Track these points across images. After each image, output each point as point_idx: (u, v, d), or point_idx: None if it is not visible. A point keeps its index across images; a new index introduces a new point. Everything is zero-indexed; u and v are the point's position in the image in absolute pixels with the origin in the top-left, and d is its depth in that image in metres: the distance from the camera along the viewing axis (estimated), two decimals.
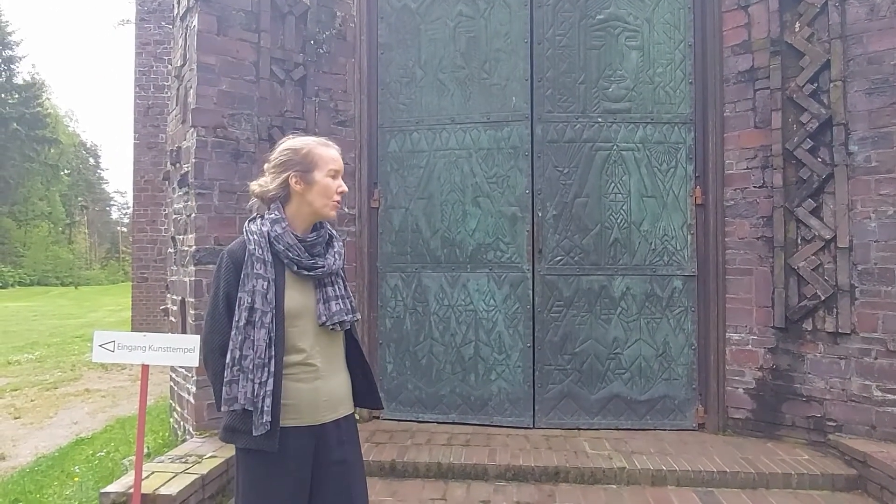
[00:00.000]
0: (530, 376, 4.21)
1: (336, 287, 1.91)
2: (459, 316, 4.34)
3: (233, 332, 1.78)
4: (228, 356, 1.78)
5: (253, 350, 1.76)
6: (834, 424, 3.68)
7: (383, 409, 1.97)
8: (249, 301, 1.78)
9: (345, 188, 1.94)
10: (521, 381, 4.23)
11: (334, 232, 1.99)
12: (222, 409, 1.79)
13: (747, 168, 4.04)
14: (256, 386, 1.74)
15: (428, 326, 4.40)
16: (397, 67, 4.50)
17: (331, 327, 1.88)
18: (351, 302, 1.93)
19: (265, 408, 1.74)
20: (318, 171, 1.88)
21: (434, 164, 4.42)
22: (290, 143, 1.93)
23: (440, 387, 4.34)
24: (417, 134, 4.45)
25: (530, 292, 4.23)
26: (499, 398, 4.25)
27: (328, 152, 1.91)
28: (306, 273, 1.85)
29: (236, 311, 1.79)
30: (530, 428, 4.17)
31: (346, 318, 1.89)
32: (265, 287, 1.79)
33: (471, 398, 4.30)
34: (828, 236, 3.72)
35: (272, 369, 1.77)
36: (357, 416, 4.59)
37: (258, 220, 1.89)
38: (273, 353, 1.78)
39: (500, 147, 4.31)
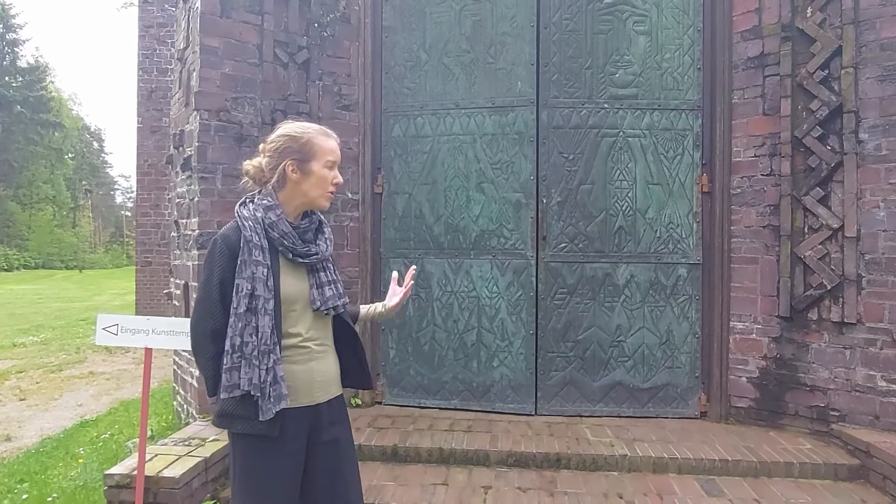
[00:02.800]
0: (533, 363, 4.19)
1: (327, 272, 1.93)
2: (462, 302, 4.33)
3: (231, 319, 1.77)
4: (228, 343, 1.77)
5: (257, 336, 1.75)
6: (837, 414, 3.67)
7: (372, 388, 2.00)
8: (249, 288, 1.77)
9: (340, 179, 1.94)
10: (524, 369, 4.21)
11: (323, 217, 2.00)
12: (222, 395, 1.79)
13: (755, 156, 4.00)
14: (263, 372, 1.74)
15: (430, 312, 4.38)
16: (402, 51, 4.45)
17: (325, 312, 1.90)
18: (341, 286, 1.97)
19: (273, 393, 1.75)
20: (315, 162, 1.86)
21: (438, 150, 4.38)
22: (289, 128, 1.90)
23: (442, 373, 4.33)
24: (422, 119, 4.41)
25: (533, 279, 4.20)
26: (501, 385, 4.25)
27: (327, 143, 1.90)
28: (300, 260, 1.86)
29: (234, 298, 1.77)
30: (532, 415, 4.16)
31: (338, 302, 1.92)
32: (265, 274, 1.78)
33: (473, 384, 4.29)
34: (835, 225, 3.68)
35: (277, 355, 1.78)
36: (360, 402, 4.62)
37: (250, 205, 1.87)
38: (277, 338, 1.79)
39: (504, 132, 4.26)
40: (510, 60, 4.27)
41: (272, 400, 1.74)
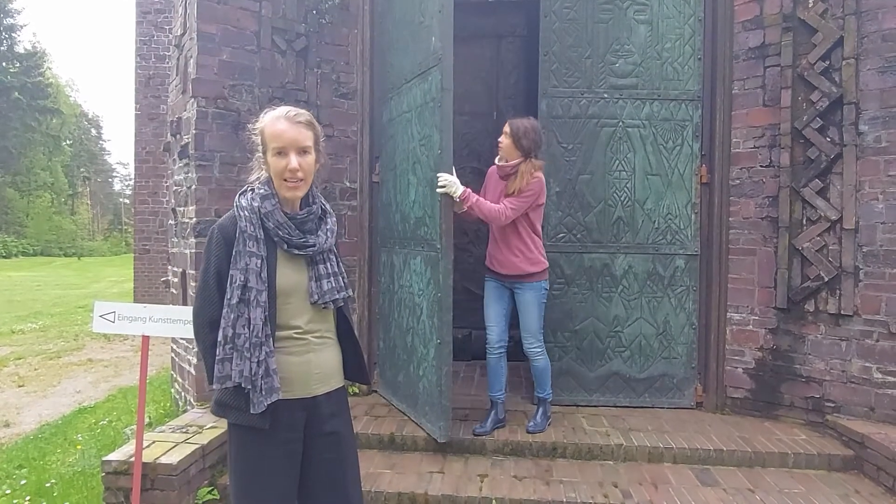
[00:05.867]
0: (442, 380, 3.41)
1: (328, 264, 1.88)
2: (405, 298, 3.93)
3: (225, 310, 1.75)
4: (220, 334, 1.75)
5: (249, 329, 1.73)
6: (832, 405, 3.69)
7: (369, 384, 2.02)
8: (242, 279, 1.74)
9: (293, 165, 1.76)
10: (434, 384, 3.47)
11: (328, 207, 1.95)
12: (214, 386, 1.78)
13: (754, 147, 3.98)
14: (254, 365, 1.73)
15: (391, 307, 4.20)
16: (387, 34, 4.33)
17: (322, 306, 1.86)
18: (343, 279, 1.92)
19: (264, 386, 1.73)
20: (268, 152, 1.82)
21: (396, 131, 4.15)
22: (258, 122, 1.88)
23: (397, 372, 4.10)
24: (394, 100, 4.23)
25: (440, 276, 3.44)
26: (424, 397, 3.67)
27: (273, 128, 1.79)
28: (297, 252, 1.83)
29: (228, 289, 1.76)
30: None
31: (337, 296, 1.87)
32: (259, 265, 1.76)
33: (410, 391, 3.88)
34: (834, 217, 3.68)
35: (270, 348, 1.76)
36: (357, 390, 4.61)
37: (248, 195, 1.85)
38: (269, 331, 1.77)
39: (427, 102, 3.60)
40: (430, 13, 3.58)
41: (263, 393, 1.73)
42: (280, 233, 1.80)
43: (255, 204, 1.81)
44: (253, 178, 1.91)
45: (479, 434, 3.59)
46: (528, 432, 3.63)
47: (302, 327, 1.85)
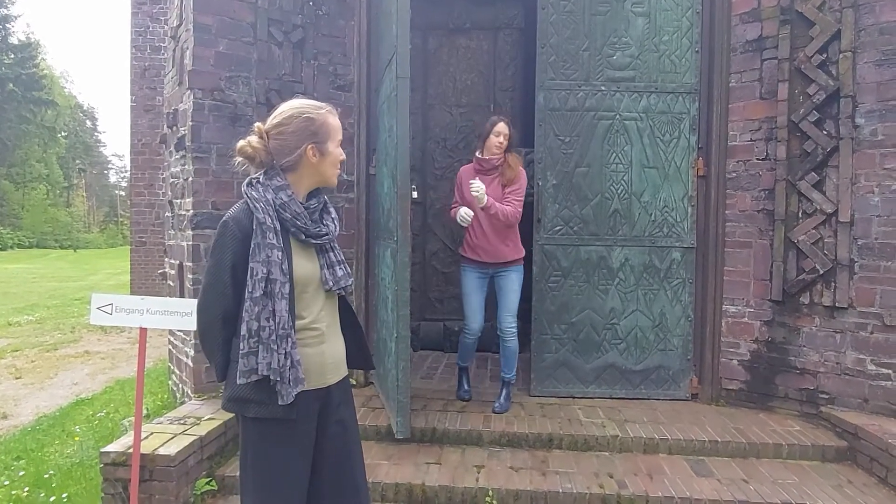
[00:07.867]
0: (399, 374, 3.39)
1: (336, 252, 1.93)
2: (381, 290, 4.01)
3: (247, 304, 1.74)
4: (244, 328, 1.75)
5: (274, 320, 1.74)
6: (826, 397, 3.72)
7: (374, 369, 2.08)
8: (265, 271, 1.74)
9: (344, 156, 1.98)
10: (393, 378, 3.46)
11: (326, 197, 1.99)
12: (239, 381, 1.76)
13: (751, 140, 3.99)
14: (281, 357, 1.73)
15: (377, 299, 4.21)
16: (377, 25, 4.29)
17: (337, 292, 1.92)
18: (347, 265, 1.97)
19: (291, 377, 1.75)
20: (331, 143, 1.88)
21: (380, 122, 4.14)
22: (301, 108, 1.85)
23: (379, 365, 4.00)
24: (379, 92, 4.17)
25: (398, 269, 3.42)
26: (392, 391, 3.56)
27: (336, 121, 1.93)
28: (312, 241, 1.85)
29: (249, 282, 1.74)
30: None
31: (349, 281, 1.94)
32: (280, 257, 1.76)
33: (383, 384, 3.88)
34: (829, 210, 3.69)
35: (294, 339, 1.77)
36: (354, 382, 4.61)
37: (259, 187, 1.82)
38: (292, 322, 1.78)
39: (390, 92, 3.57)
40: (392, 1, 3.54)
41: (291, 384, 1.75)
42: (298, 223, 1.81)
43: (269, 196, 1.79)
44: (285, 160, 1.84)
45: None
46: (494, 412, 3.85)
47: (315, 317, 1.87)
